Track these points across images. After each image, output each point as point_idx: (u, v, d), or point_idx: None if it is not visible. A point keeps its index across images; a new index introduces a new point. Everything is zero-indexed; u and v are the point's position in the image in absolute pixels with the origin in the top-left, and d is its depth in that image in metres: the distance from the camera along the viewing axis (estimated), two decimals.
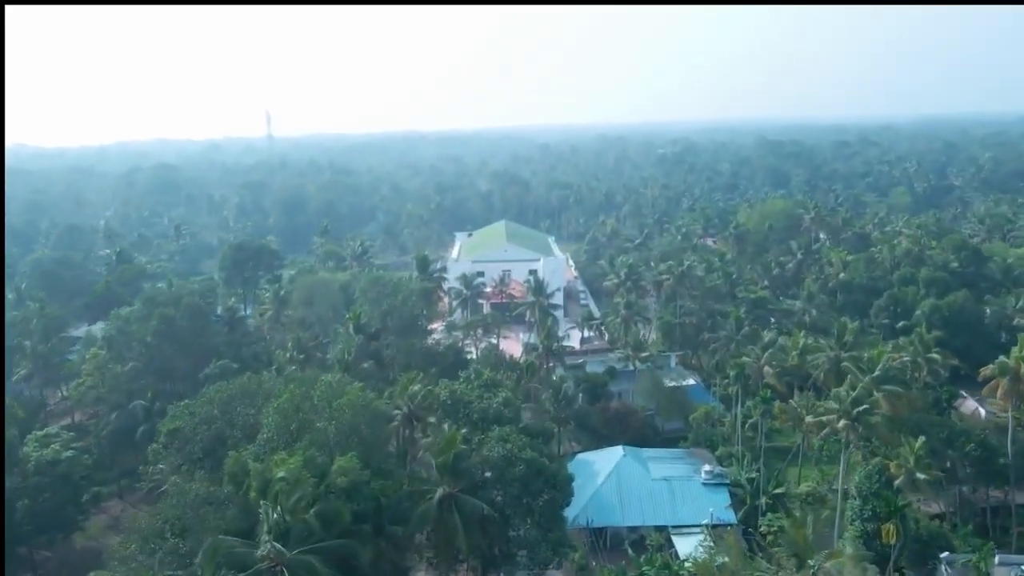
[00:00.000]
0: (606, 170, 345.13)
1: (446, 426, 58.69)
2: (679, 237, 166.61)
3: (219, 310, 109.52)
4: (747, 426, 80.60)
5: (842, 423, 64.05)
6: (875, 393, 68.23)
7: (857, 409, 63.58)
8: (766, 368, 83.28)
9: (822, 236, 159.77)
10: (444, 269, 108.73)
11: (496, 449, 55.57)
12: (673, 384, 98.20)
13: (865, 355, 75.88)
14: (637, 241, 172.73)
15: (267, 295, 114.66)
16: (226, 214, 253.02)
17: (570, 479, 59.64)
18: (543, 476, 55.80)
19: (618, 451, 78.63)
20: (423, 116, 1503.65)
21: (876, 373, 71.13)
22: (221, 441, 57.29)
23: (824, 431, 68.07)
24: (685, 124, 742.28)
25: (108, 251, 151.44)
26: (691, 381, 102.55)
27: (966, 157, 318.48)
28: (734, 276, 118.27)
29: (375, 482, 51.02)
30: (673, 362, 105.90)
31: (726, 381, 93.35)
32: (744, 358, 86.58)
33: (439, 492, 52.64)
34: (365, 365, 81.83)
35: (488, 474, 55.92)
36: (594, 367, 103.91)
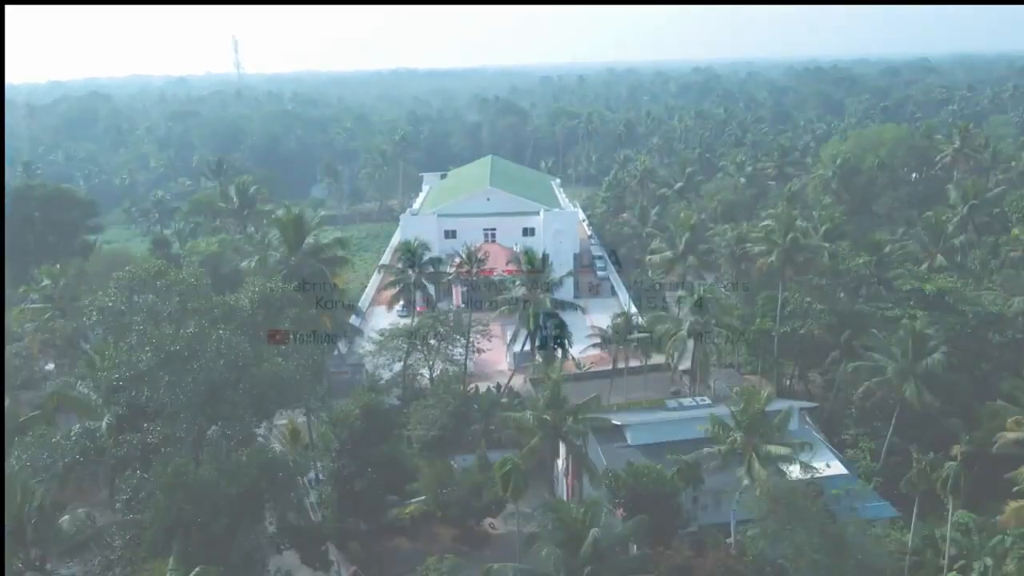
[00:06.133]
0: (620, 100, 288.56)
1: None
2: (742, 179, 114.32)
3: None
4: None
5: None
6: None
7: None
8: None
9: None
10: (342, 243, 54.33)
11: None
12: (807, 475, 47.47)
13: None
14: (678, 185, 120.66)
15: (44, 285, 63.45)
16: (144, 151, 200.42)
17: None
18: None
19: None
20: (416, 53, 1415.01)
21: None
22: None
23: None
24: (685, 63, 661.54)
25: None
26: (839, 466, 52.02)
27: None
28: (887, 250, 66.14)
29: None
30: (795, 422, 54.73)
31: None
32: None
33: None
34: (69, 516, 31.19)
35: None
36: (641, 435, 53.46)
